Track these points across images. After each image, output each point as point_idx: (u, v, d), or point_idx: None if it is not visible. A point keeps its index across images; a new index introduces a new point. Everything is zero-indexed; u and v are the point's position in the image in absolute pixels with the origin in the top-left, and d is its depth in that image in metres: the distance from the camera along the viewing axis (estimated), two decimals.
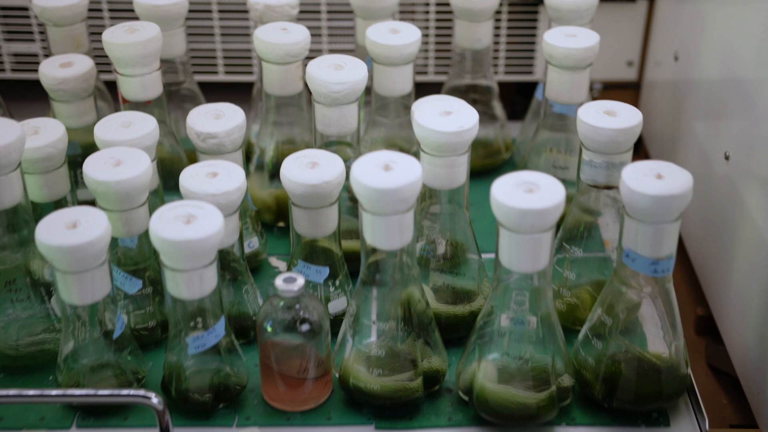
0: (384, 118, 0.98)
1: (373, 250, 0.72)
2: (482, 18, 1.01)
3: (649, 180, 0.69)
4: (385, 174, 0.68)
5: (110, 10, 1.13)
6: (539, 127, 0.97)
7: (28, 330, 0.79)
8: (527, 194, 0.68)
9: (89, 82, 0.92)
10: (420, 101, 0.88)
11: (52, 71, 0.91)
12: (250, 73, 1.18)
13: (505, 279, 0.72)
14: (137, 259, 0.81)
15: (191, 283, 0.70)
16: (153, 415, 0.74)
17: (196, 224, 0.69)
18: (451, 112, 0.77)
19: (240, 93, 1.15)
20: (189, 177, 0.76)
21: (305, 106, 0.96)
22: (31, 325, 0.79)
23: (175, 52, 1.00)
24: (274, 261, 0.94)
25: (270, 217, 0.98)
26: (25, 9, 1.13)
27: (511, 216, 0.67)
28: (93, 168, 0.75)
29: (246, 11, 1.13)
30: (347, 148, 0.87)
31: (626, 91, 1.21)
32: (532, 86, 1.20)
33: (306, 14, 1.13)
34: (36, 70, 1.16)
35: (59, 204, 0.84)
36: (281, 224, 0.99)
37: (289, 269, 0.84)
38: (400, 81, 0.94)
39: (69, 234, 0.68)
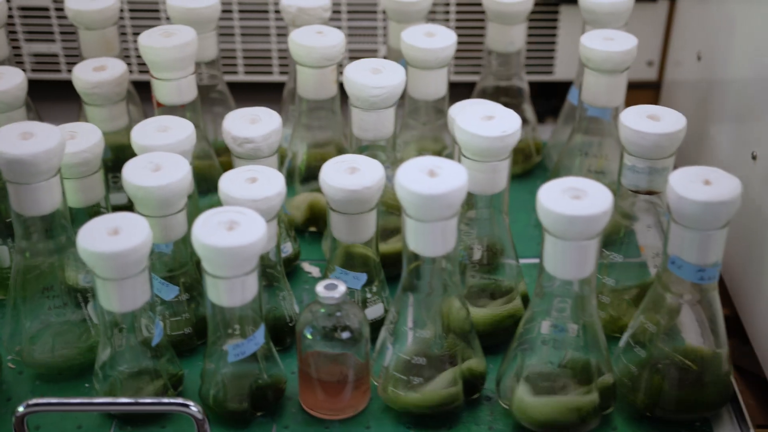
0: (417, 122, 0.97)
1: (415, 257, 0.71)
2: (515, 21, 1.01)
3: (697, 186, 0.68)
4: (431, 180, 0.68)
5: (131, 11, 1.12)
6: (574, 130, 0.96)
7: (63, 337, 0.79)
8: (574, 201, 0.67)
9: (123, 86, 0.92)
10: (457, 105, 0.87)
11: (86, 75, 0.90)
12: (270, 73, 1.17)
13: (548, 285, 0.71)
14: (172, 265, 0.80)
15: (233, 290, 0.69)
16: (191, 423, 0.73)
17: (239, 231, 0.68)
18: (494, 117, 0.76)
19: (262, 93, 1.14)
20: (229, 182, 0.76)
21: (338, 109, 0.95)
22: (67, 331, 0.79)
23: (206, 56, 0.99)
24: (307, 266, 0.94)
25: (302, 221, 0.97)
26: (46, 9, 1.13)
27: (559, 222, 0.66)
28: (132, 173, 0.75)
29: (266, 11, 1.12)
30: (381, 152, 0.87)
31: (646, 91, 1.20)
32: (552, 87, 1.19)
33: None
34: (56, 71, 1.17)
35: (92, 209, 0.83)
36: (313, 229, 0.98)
37: (324, 275, 0.83)
38: (435, 84, 0.93)
39: (111, 240, 0.67)
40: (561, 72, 1.18)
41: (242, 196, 0.74)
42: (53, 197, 0.74)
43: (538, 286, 0.72)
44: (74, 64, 1.14)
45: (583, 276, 0.69)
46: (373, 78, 0.82)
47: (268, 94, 1.16)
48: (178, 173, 0.75)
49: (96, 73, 0.90)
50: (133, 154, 0.95)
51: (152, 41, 0.86)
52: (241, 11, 1.13)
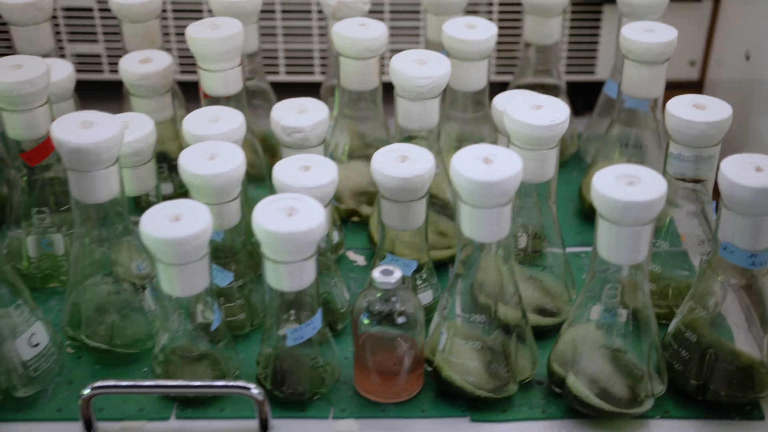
0: (457, 113, 0.98)
1: (469, 243, 0.73)
2: (552, 13, 1.02)
3: (748, 172, 0.69)
4: (486, 167, 0.69)
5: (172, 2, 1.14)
6: (613, 122, 0.98)
7: (122, 322, 0.80)
8: (629, 186, 0.68)
9: (168, 77, 0.93)
10: (501, 96, 0.88)
11: (132, 67, 0.91)
12: (311, 73, 1.18)
13: (601, 271, 0.72)
14: (224, 252, 0.81)
15: (292, 275, 0.71)
16: (249, 406, 0.75)
17: (298, 217, 0.69)
18: (542, 106, 0.78)
19: (298, 93, 1.15)
20: (283, 171, 0.77)
21: (380, 101, 0.97)
22: (125, 317, 0.80)
23: (248, 49, 1.01)
24: (352, 255, 0.95)
25: (345, 211, 0.99)
26: (89, 9, 1.14)
27: (615, 208, 0.67)
28: (189, 161, 0.76)
29: (308, 11, 1.14)
30: (422, 142, 0.88)
31: (687, 90, 1.20)
32: (591, 86, 1.20)
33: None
34: (99, 71, 1.18)
35: (140, 198, 0.85)
36: (355, 219, 0.99)
37: (373, 262, 0.85)
38: (476, 76, 0.95)
39: (173, 226, 0.68)
40: (603, 72, 1.19)
41: (297, 184, 0.76)
42: (112, 185, 0.75)
43: (591, 271, 0.73)
44: (116, 64, 1.16)
45: (637, 261, 0.70)
46: (419, 68, 0.84)
47: (304, 93, 1.17)
48: (234, 162, 0.76)
49: (142, 65, 0.92)
50: (177, 145, 0.97)
51: (199, 33, 0.88)
52: (282, 11, 1.14)
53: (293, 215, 0.69)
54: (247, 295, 0.83)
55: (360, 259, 0.94)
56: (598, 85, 1.19)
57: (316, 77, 1.18)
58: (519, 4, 1.13)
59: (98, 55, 1.17)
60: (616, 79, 1.05)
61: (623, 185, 0.68)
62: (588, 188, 1.01)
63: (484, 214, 0.70)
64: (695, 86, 1.21)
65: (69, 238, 0.87)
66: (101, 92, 1.12)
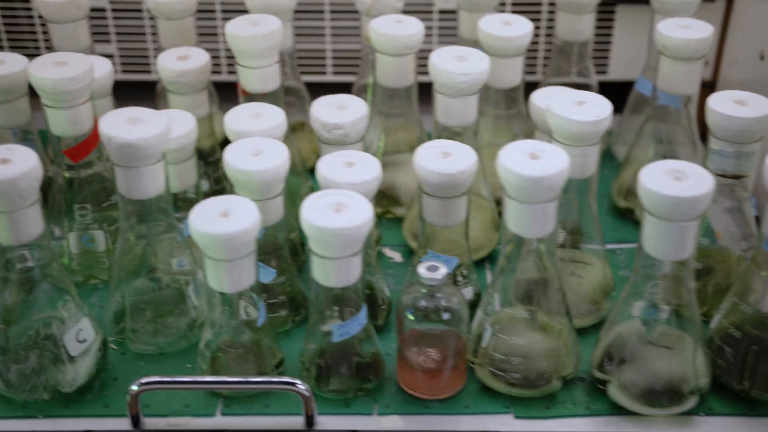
0: (491, 109, 0.98)
1: (514, 238, 0.73)
2: (585, 10, 1.02)
3: None
4: (534, 162, 0.69)
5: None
6: (647, 118, 0.98)
7: (166, 318, 0.80)
8: (677, 182, 0.68)
9: (206, 74, 0.93)
10: (539, 92, 0.89)
11: (170, 64, 0.92)
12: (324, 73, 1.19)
13: (646, 267, 0.72)
14: (266, 248, 0.82)
15: (340, 271, 0.71)
16: (294, 402, 0.76)
17: (346, 212, 0.69)
18: (585, 102, 0.78)
19: (327, 92, 1.16)
20: (327, 166, 0.77)
21: (415, 98, 0.97)
22: (168, 313, 0.81)
23: (283, 46, 1.01)
24: (388, 252, 0.95)
25: (379, 208, 0.99)
26: (102, 10, 1.14)
27: (663, 204, 0.68)
28: (234, 157, 0.76)
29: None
30: (458, 139, 0.88)
31: (700, 90, 1.21)
32: (605, 86, 1.20)
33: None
34: (129, 71, 1.18)
35: (178, 195, 0.85)
36: (389, 215, 1.00)
37: (412, 259, 0.85)
38: (511, 72, 0.95)
39: (222, 222, 0.69)
40: (615, 72, 1.19)
41: (342, 180, 0.76)
42: (158, 181, 0.75)
43: (635, 267, 0.73)
44: (130, 65, 1.17)
45: (683, 257, 0.71)
46: (459, 65, 0.84)
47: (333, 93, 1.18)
48: (279, 158, 0.76)
49: (180, 62, 0.92)
50: (213, 142, 0.98)
51: (239, 29, 0.88)
52: (315, 11, 1.14)
53: (341, 211, 0.70)
54: (288, 292, 0.83)
55: (396, 256, 0.95)
56: (610, 86, 1.19)
57: (333, 77, 1.18)
58: (541, 2, 1.14)
59: (111, 56, 1.17)
60: (648, 76, 1.05)
61: (671, 181, 0.68)
62: (620, 185, 1.02)
63: (531, 209, 0.70)
64: (708, 86, 1.21)
65: (110, 234, 0.87)
66: (128, 92, 1.13)
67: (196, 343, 0.81)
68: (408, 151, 1.00)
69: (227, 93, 1.06)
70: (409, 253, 0.95)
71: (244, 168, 0.75)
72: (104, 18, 1.14)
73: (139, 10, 1.13)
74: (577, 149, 0.78)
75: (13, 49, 1.15)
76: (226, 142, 1.07)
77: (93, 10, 1.13)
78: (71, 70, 0.79)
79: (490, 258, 0.95)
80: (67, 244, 0.87)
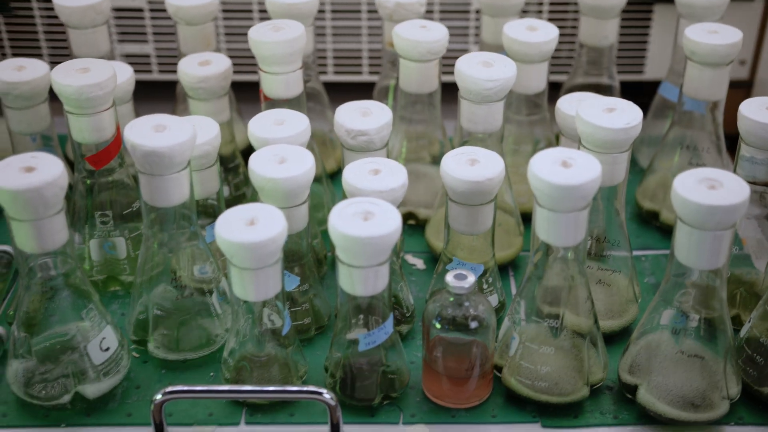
0: (514, 115, 0.97)
1: (544, 246, 0.72)
2: (609, 15, 1.01)
3: None
4: (566, 171, 0.68)
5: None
6: (673, 123, 0.97)
7: (188, 326, 0.80)
8: (711, 191, 0.67)
9: (227, 80, 0.93)
10: (565, 98, 0.88)
11: (192, 69, 0.91)
12: (359, 73, 1.18)
13: (677, 275, 0.71)
14: (289, 256, 0.81)
15: (367, 279, 0.70)
16: (319, 412, 0.75)
17: (375, 221, 0.68)
18: (615, 109, 0.77)
19: (346, 93, 1.15)
20: (353, 174, 0.76)
21: (438, 103, 0.96)
22: (191, 320, 0.80)
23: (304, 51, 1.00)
24: (410, 258, 0.94)
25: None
26: (140, 10, 1.14)
27: (697, 212, 0.67)
28: (259, 165, 0.75)
29: (358, 11, 1.13)
30: (481, 145, 0.87)
31: (738, 90, 1.20)
32: (639, 86, 1.19)
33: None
34: (148, 71, 1.18)
35: (199, 202, 0.84)
36: (411, 222, 0.99)
37: (438, 266, 0.84)
38: (536, 78, 0.94)
39: (249, 231, 0.68)
40: (651, 71, 1.18)
41: (368, 187, 0.75)
42: (183, 189, 0.75)
43: (666, 275, 0.72)
44: (166, 64, 1.16)
45: (717, 266, 0.70)
46: (486, 71, 0.83)
47: (353, 93, 1.17)
48: (304, 165, 0.76)
49: (202, 67, 0.92)
50: (233, 148, 0.97)
51: (262, 35, 0.87)
52: (333, 11, 1.14)
53: (369, 219, 0.69)
54: (311, 300, 0.83)
55: (419, 263, 0.94)
56: (646, 85, 1.18)
57: (364, 77, 1.18)
58: (567, 6, 1.13)
59: (147, 56, 1.17)
60: (672, 80, 1.04)
61: (705, 189, 0.67)
62: (644, 191, 1.01)
63: (563, 218, 0.69)
64: (745, 86, 1.20)
65: (131, 241, 0.86)
66: (150, 93, 1.12)
67: (218, 352, 0.81)
68: (431, 158, 1.00)
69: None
70: (432, 260, 0.94)
71: (271, 176, 0.74)
72: (142, 18, 1.14)
73: None
74: (606, 156, 0.77)
75: (16, 55, 1.15)
76: (246, 148, 1.07)
77: (129, 10, 1.13)
78: (95, 77, 0.78)
79: (513, 265, 0.94)
80: (87, 251, 0.86)
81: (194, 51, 0.98)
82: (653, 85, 1.11)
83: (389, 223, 0.69)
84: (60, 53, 1.15)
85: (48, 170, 0.67)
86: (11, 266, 0.89)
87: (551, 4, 1.14)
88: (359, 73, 1.19)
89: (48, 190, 0.66)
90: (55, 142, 0.95)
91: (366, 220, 0.69)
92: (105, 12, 0.95)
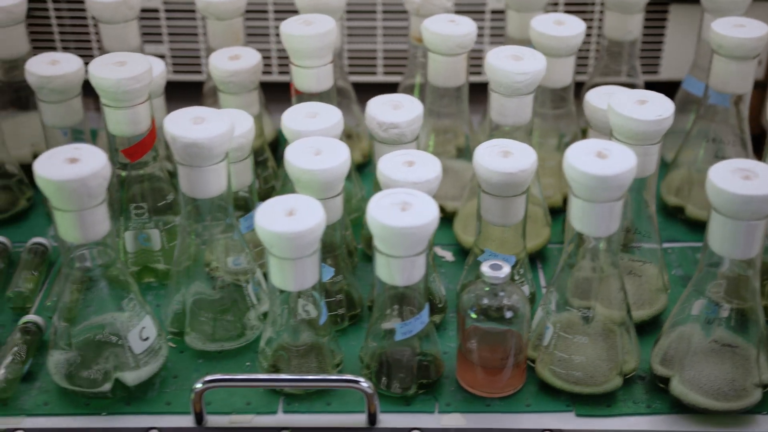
0: (541, 109, 0.98)
1: (578, 237, 0.73)
2: (634, 9, 1.02)
3: None
4: (601, 161, 0.69)
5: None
6: (698, 117, 0.97)
7: (224, 316, 0.81)
8: (746, 181, 0.68)
9: (257, 74, 0.94)
10: (594, 91, 0.89)
11: (222, 64, 0.92)
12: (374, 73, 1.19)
13: (711, 264, 0.72)
14: (323, 247, 0.81)
15: (404, 269, 0.71)
16: (355, 400, 0.76)
17: (413, 211, 0.69)
18: (646, 101, 0.78)
19: (372, 93, 1.16)
20: (388, 166, 0.77)
21: (466, 97, 0.97)
22: (227, 311, 0.81)
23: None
24: (439, 251, 0.95)
25: None
26: (155, 11, 1.14)
27: (732, 203, 0.67)
28: (296, 156, 0.76)
29: (374, 11, 1.14)
30: (511, 138, 0.88)
31: (753, 90, 1.21)
32: (653, 87, 1.20)
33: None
34: (179, 72, 1.19)
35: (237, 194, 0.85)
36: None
37: (469, 257, 0.85)
38: (563, 72, 0.95)
39: (289, 221, 0.69)
40: (667, 72, 1.19)
41: (403, 179, 0.76)
42: (221, 180, 0.76)
43: (700, 265, 0.73)
44: (182, 65, 1.17)
45: (750, 256, 0.70)
46: (516, 64, 0.84)
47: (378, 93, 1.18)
48: (340, 157, 0.76)
49: (232, 62, 0.92)
50: (261, 142, 0.98)
51: (293, 29, 0.88)
52: (353, 11, 1.15)
53: (407, 210, 0.70)
54: (345, 290, 0.84)
55: (447, 255, 0.95)
56: (660, 86, 1.19)
57: (379, 77, 1.19)
58: (585, 4, 1.14)
59: (162, 56, 1.17)
60: (696, 75, 1.05)
61: (739, 179, 0.68)
62: (670, 184, 1.01)
63: (598, 208, 0.70)
64: (760, 86, 1.20)
65: (166, 233, 0.87)
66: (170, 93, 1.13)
67: (254, 341, 0.82)
68: (456, 151, 1.01)
69: None
70: (460, 252, 0.95)
71: (307, 167, 0.75)
72: (157, 18, 1.14)
73: (192, 11, 1.14)
74: (638, 148, 0.78)
75: (38, 49, 1.16)
76: (273, 142, 1.08)
77: (144, 10, 1.13)
78: (131, 70, 0.79)
79: (540, 256, 0.95)
80: (122, 242, 0.87)
81: (223, 46, 0.99)
82: (669, 86, 1.12)
83: (427, 213, 0.69)
84: (78, 47, 1.16)
85: (92, 161, 0.68)
86: (45, 258, 0.90)
87: (566, 4, 1.15)
88: (373, 73, 1.19)
89: (92, 180, 0.67)
90: (87, 135, 0.95)
91: (404, 210, 0.70)
92: (136, 7, 0.96)
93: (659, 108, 0.77)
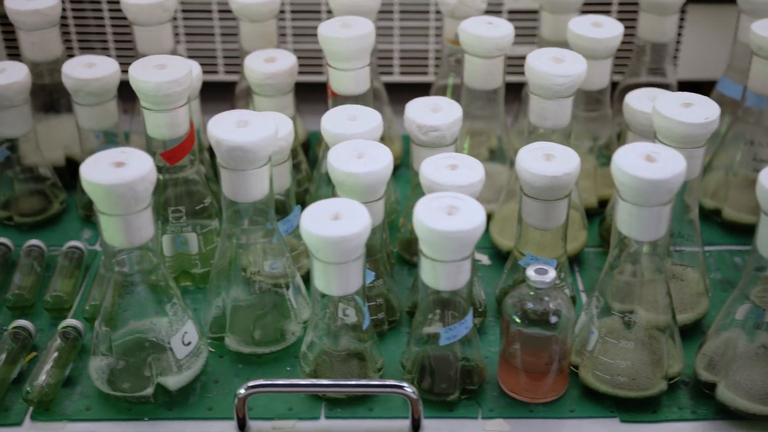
0: (575, 111, 0.97)
1: (625, 241, 0.72)
2: (670, 11, 1.01)
3: None
4: (651, 165, 0.68)
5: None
6: (735, 120, 0.97)
7: (264, 320, 0.80)
8: None
9: (293, 77, 0.93)
10: (633, 94, 0.88)
11: (259, 66, 0.92)
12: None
13: (758, 269, 0.71)
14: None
15: (450, 274, 0.71)
16: (398, 406, 0.75)
17: (460, 215, 0.69)
18: (692, 104, 0.77)
19: (408, 93, 1.16)
20: (431, 169, 0.77)
21: (502, 100, 0.96)
22: (267, 315, 0.80)
23: None
24: (475, 254, 0.94)
25: None
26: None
27: None
28: (339, 160, 0.76)
29: (390, 11, 1.14)
30: (547, 140, 0.87)
31: None
32: (683, 86, 1.19)
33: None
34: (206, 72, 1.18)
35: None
36: None
37: (510, 260, 0.85)
38: (600, 74, 0.94)
39: (334, 225, 0.68)
40: (683, 72, 1.18)
41: (448, 182, 0.76)
42: (264, 184, 0.75)
43: (747, 270, 0.73)
44: (207, 65, 1.17)
45: None
46: (557, 67, 0.83)
47: (414, 94, 1.18)
48: (383, 160, 0.76)
49: (268, 64, 0.92)
50: (297, 144, 0.98)
51: (332, 31, 0.87)
52: (384, 11, 1.14)
53: (454, 214, 0.69)
54: (385, 294, 0.83)
55: (484, 258, 0.94)
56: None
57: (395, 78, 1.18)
58: (609, 5, 1.13)
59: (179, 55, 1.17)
60: (731, 77, 1.04)
61: None
62: (706, 188, 1.00)
63: (647, 212, 0.70)
64: None
65: (203, 237, 0.87)
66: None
67: (294, 346, 0.81)
68: (489, 153, 1.00)
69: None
70: (496, 255, 0.94)
71: (351, 170, 0.75)
72: (174, 18, 1.14)
73: (209, 11, 1.13)
74: (683, 151, 0.77)
75: (70, 50, 1.16)
76: (304, 144, 1.08)
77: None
78: (172, 73, 0.78)
79: (577, 260, 0.94)
80: (159, 246, 0.87)
81: (256, 48, 0.99)
82: (683, 86, 1.11)
83: (474, 217, 0.69)
84: (106, 48, 1.16)
85: (138, 165, 0.67)
86: (82, 262, 0.90)
87: (588, 3, 1.14)
88: (390, 74, 1.19)
89: (139, 184, 0.67)
90: (120, 138, 0.95)
91: (450, 214, 0.69)
92: (171, 9, 0.96)
93: (706, 110, 0.76)
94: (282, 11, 1.14)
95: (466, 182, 0.76)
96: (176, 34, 1.15)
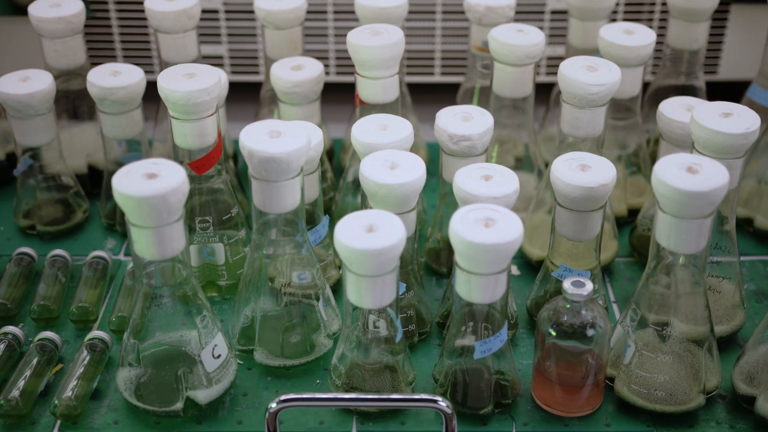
0: (607, 119, 0.96)
1: (663, 253, 0.71)
2: (701, 18, 1.00)
3: None
4: (693, 177, 0.67)
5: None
6: (767, 128, 0.95)
7: (293, 332, 0.79)
8: None
9: (320, 85, 0.92)
10: (667, 102, 0.87)
11: (285, 74, 0.91)
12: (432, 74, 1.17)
13: None
14: None
15: (487, 287, 0.69)
16: (430, 420, 0.74)
17: (497, 227, 0.68)
18: (731, 114, 0.76)
19: (421, 94, 1.15)
20: (465, 180, 0.76)
21: (531, 108, 0.95)
22: (297, 326, 0.79)
23: None
24: None
25: None
26: (215, 11, 1.13)
27: None
28: (372, 171, 0.75)
29: (433, 12, 1.12)
30: (576, 150, 0.86)
31: None
32: (712, 86, 1.18)
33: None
34: (238, 73, 1.17)
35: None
36: None
37: (544, 271, 0.83)
38: (631, 82, 0.93)
39: (369, 237, 0.67)
40: (725, 72, 1.17)
41: (483, 194, 0.74)
42: (295, 195, 0.74)
43: None
44: (240, 66, 1.16)
45: None
46: (591, 76, 0.82)
47: (428, 95, 1.17)
48: (417, 171, 0.75)
49: (295, 72, 0.91)
50: (323, 154, 0.96)
51: (362, 40, 0.86)
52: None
53: (491, 226, 0.68)
54: (416, 306, 0.82)
55: (513, 269, 0.93)
56: (719, 86, 1.17)
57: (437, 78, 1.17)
58: (641, 11, 1.12)
59: (220, 57, 1.16)
60: (760, 83, 1.03)
61: None
62: (740, 196, 0.99)
63: (686, 225, 0.68)
64: None
65: (230, 247, 0.86)
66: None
67: (323, 358, 0.80)
68: (515, 161, 0.99)
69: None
70: (525, 266, 0.93)
71: (385, 181, 0.74)
72: (216, 20, 1.13)
73: (251, 11, 1.12)
74: (722, 162, 0.76)
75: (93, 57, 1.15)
76: (329, 152, 1.07)
77: (204, 11, 1.12)
78: (202, 82, 0.77)
79: (607, 270, 0.93)
80: (187, 257, 0.86)
81: (281, 55, 0.98)
82: (726, 86, 1.10)
83: (512, 229, 0.68)
84: (130, 56, 1.15)
85: (171, 176, 0.66)
86: (107, 272, 0.89)
87: (625, 12, 1.13)
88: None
89: (172, 196, 0.66)
90: (144, 146, 0.94)
91: (487, 227, 0.68)
92: (196, 16, 0.95)
93: (746, 120, 0.75)
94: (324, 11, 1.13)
95: (502, 194, 0.74)
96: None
